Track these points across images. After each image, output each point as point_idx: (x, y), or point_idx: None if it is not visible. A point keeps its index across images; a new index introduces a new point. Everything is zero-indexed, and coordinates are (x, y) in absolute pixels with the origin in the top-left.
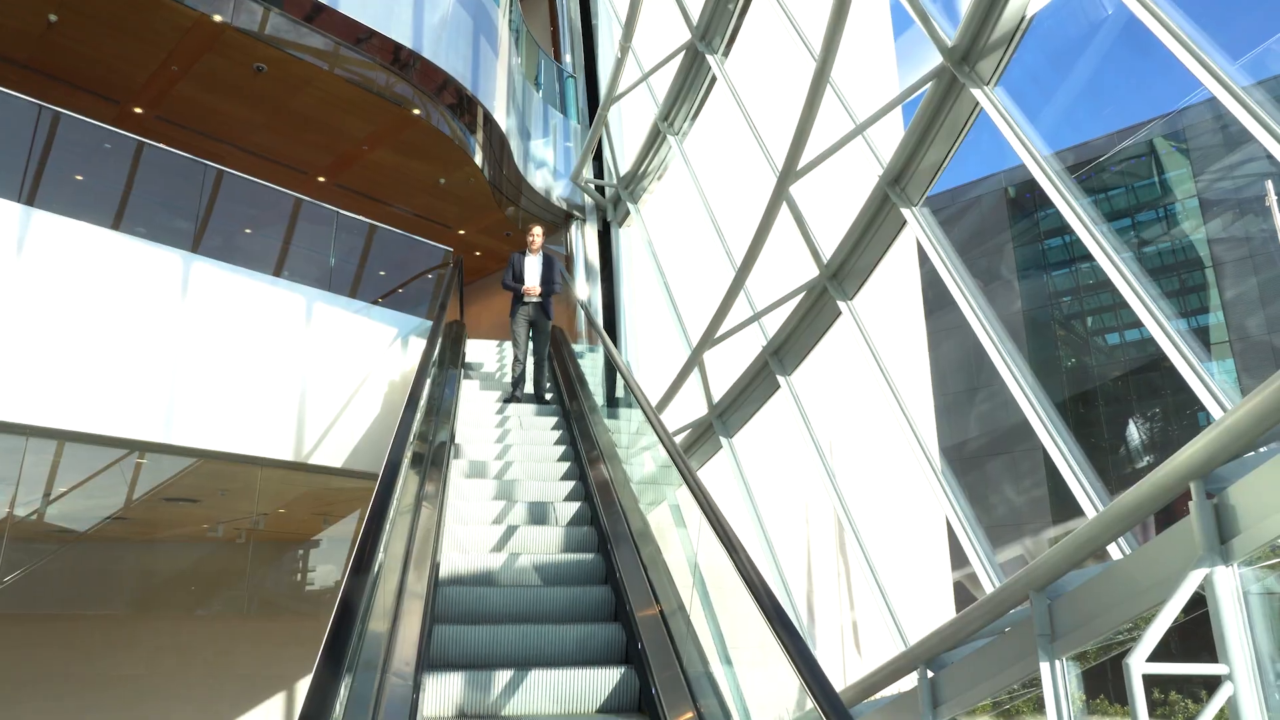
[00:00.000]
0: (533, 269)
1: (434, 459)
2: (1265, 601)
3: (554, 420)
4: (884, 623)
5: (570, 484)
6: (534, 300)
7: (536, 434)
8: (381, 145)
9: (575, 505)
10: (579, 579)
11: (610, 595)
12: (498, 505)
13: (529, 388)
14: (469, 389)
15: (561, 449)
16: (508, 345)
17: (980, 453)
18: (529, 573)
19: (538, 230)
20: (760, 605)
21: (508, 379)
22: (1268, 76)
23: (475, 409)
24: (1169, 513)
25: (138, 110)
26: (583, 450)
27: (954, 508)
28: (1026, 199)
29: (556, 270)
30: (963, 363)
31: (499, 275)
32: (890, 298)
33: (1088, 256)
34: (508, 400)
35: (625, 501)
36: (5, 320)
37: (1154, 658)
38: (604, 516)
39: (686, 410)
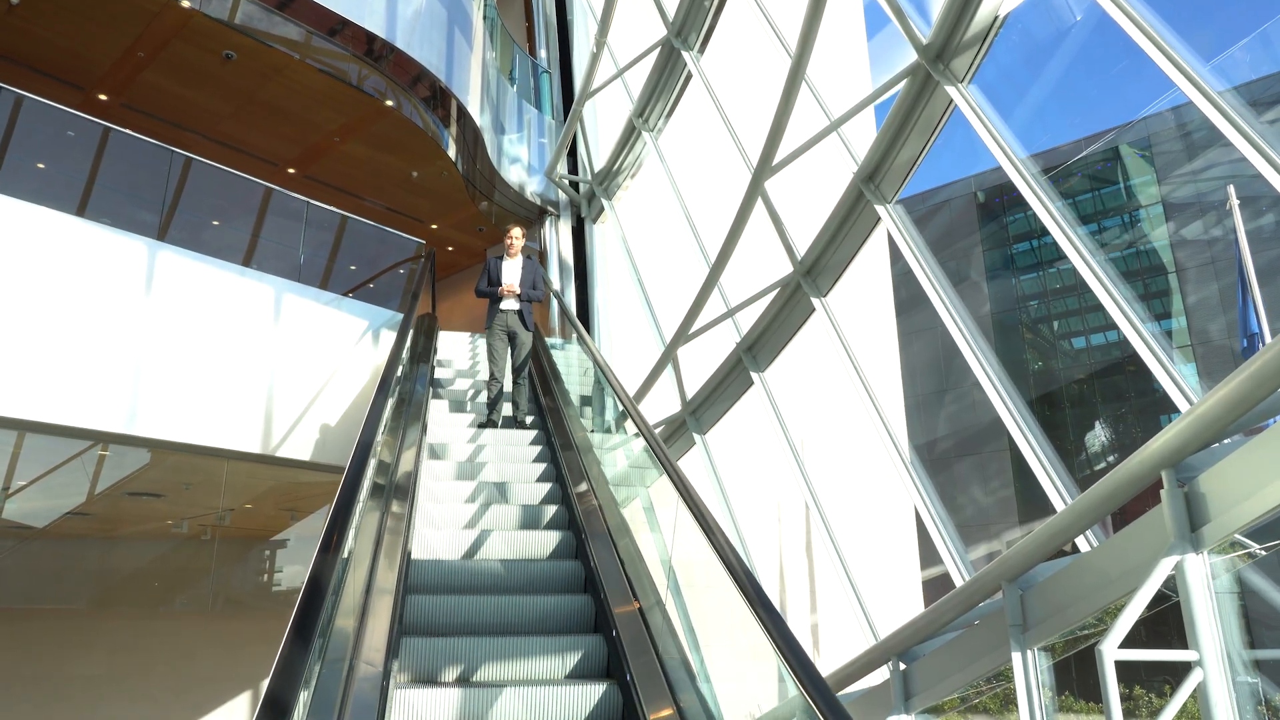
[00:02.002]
0: (511, 274)
1: (405, 440)
2: (1233, 588)
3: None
4: (850, 621)
5: (542, 466)
6: (512, 308)
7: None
8: (353, 137)
9: (547, 486)
10: (549, 556)
11: (581, 568)
12: (467, 485)
13: (506, 408)
14: (442, 374)
15: (535, 433)
16: (480, 340)
17: (949, 454)
18: (495, 541)
19: (517, 231)
20: (747, 597)
21: (480, 369)
22: (1238, 83)
23: (447, 394)
24: (1124, 514)
25: (103, 97)
26: (557, 443)
27: (925, 502)
28: (995, 203)
29: (539, 276)
30: (932, 364)
31: (472, 271)
32: (861, 297)
33: (1055, 261)
34: (482, 425)
35: (601, 493)
36: None
37: (1125, 645)
38: (578, 507)
39: (660, 407)
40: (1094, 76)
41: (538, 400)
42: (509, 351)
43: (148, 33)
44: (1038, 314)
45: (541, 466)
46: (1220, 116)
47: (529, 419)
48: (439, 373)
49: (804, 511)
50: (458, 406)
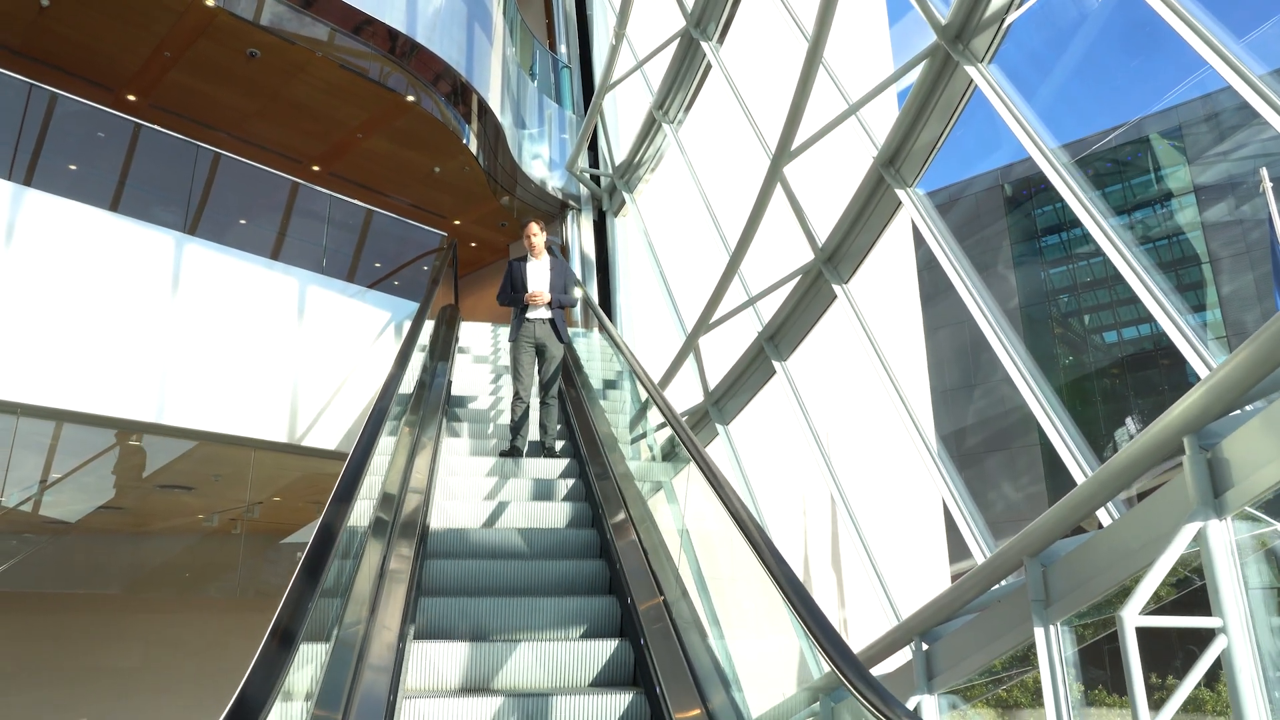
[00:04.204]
0: (538, 277)
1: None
2: (1258, 554)
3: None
4: (879, 615)
5: (562, 441)
6: (541, 317)
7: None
8: (376, 133)
9: (567, 461)
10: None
11: (596, 537)
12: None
13: (533, 431)
14: (461, 360)
15: (567, 462)
16: (502, 330)
17: (978, 448)
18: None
19: (535, 228)
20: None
21: (501, 355)
22: (1274, 65)
23: (467, 376)
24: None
25: (131, 98)
26: (577, 426)
27: (949, 488)
28: (1023, 195)
29: (570, 277)
30: (960, 357)
31: (495, 267)
32: (885, 285)
33: (1085, 254)
34: (505, 454)
35: (615, 460)
36: (1, 299)
37: (1148, 613)
38: (595, 481)
39: (682, 398)
40: (1118, 58)
41: (569, 421)
42: (536, 367)
43: (173, 32)
44: (1068, 308)
45: (562, 441)
46: (1258, 98)
47: (559, 444)
48: (458, 360)
49: (830, 503)
50: (475, 423)
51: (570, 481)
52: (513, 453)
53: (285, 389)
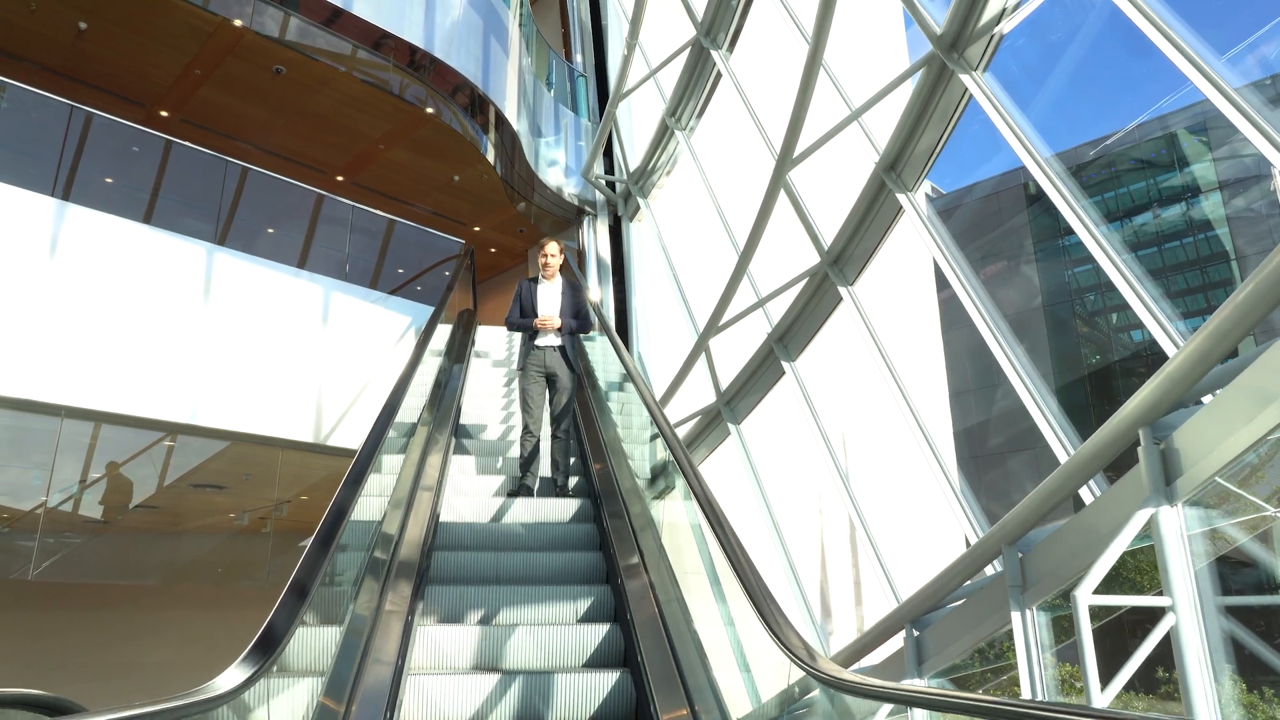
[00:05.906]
0: (549, 300)
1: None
2: (1206, 538)
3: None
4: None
5: (576, 477)
6: (552, 344)
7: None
8: (397, 144)
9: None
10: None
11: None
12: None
13: (544, 467)
14: (476, 363)
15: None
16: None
17: (1001, 448)
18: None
19: (553, 248)
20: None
21: (515, 355)
22: (1253, 79)
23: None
24: None
25: (164, 114)
26: (581, 426)
27: (948, 481)
28: (1045, 194)
29: (584, 303)
30: (980, 355)
31: (514, 272)
32: (902, 285)
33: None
34: (514, 493)
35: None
36: (45, 307)
37: (1102, 593)
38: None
39: (695, 398)
40: (1118, 60)
41: (585, 460)
42: (547, 397)
43: (203, 51)
44: (1094, 306)
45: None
46: (1238, 114)
47: (573, 480)
48: (473, 362)
49: (846, 501)
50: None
51: (583, 523)
52: (522, 491)
53: (311, 391)
